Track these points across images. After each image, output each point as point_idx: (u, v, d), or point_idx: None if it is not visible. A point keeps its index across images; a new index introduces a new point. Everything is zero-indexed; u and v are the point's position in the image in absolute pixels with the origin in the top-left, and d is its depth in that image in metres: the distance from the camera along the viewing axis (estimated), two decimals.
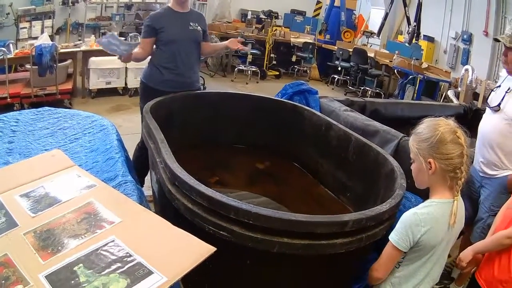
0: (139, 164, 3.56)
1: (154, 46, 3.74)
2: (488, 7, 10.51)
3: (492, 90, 3.32)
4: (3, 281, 1.33)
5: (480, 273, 2.54)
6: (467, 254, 2.49)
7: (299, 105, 3.92)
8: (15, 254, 1.46)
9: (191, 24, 3.74)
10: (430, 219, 1.86)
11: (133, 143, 3.80)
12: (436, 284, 3.47)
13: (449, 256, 3.75)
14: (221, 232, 1.93)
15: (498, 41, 3.09)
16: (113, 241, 1.53)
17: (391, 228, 2.04)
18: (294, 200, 3.44)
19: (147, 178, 3.63)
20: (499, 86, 3.23)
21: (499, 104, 3.06)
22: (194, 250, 1.49)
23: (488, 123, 3.17)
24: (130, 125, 6.09)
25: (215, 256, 2.04)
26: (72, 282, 1.33)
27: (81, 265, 1.40)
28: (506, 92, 3.05)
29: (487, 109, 3.22)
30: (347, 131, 3.31)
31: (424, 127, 1.91)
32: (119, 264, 1.40)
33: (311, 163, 3.70)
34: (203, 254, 1.48)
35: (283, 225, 1.86)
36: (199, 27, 3.80)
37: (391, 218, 2.20)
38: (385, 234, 2.11)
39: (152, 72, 3.74)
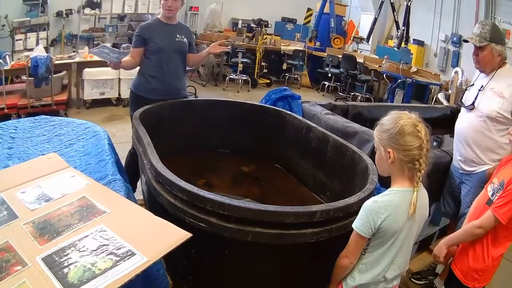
0: (131, 169, 3.71)
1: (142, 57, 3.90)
2: (477, 9, 10.69)
3: (466, 89, 3.41)
4: (4, 263, 1.53)
5: (455, 263, 2.67)
6: (440, 248, 2.63)
7: (281, 110, 4.08)
8: (15, 241, 1.67)
9: (177, 36, 3.91)
10: (390, 206, 1.97)
11: (126, 151, 3.96)
12: (421, 280, 3.67)
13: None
14: (200, 223, 2.11)
15: (467, 41, 3.15)
16: (102, 229, 1.74)
17: None
18: (278, 200, 3.56)
19: (139, 184, 3.78)
20: (473, 84, 3.33)
21: (473, 102, 3.17)
22: (172, 236, 1.70)
23: (463, 121, 3.28)
24: (123, 134, 6.24)
25: (197, 247, 2.26)
26: (65, 263, 1.54)
27: (73, 248, 1.61)
28: (479, 90, 3.16)
29: (462, 108, 3.33)
30: (325, 133, 3.48)
31: (387, 119, 2.01)
32: (106, 247, 1.61)
33: (293, 164, 3.88)
34: (180, 239, 1.68)
35: (254, 215, 2.04)
36: (185, 39, 3.97)
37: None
38: None
39: (141, 81, 3.91)
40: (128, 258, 1.55)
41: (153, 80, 3.86)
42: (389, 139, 1.96)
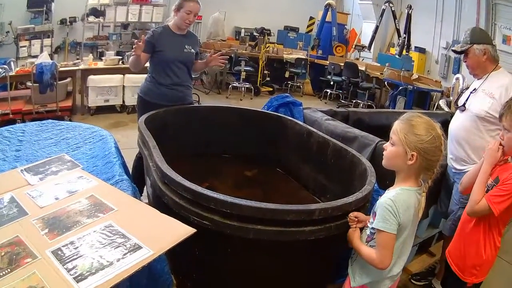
0: (137, 173, 3.77)
1: (150, 63, 3.97)
2: (478, 16, 10.70)
3: (462, 93, 3.48)
4: (14, 256, 1.61)
5: (452, 262, 2.70)
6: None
7: (283, 115, 4.15)
8: (25, 235, 1.75)
9: (186, 47, 3.98)
10: (405, 204, 2.02)
11: (130, 156, 4.00)
12: (421, 281, 3.73)
13: (433, 255, 3.99)
14: (203, 221, 2.17)
15: (456, 52, 3.28)
16: (110, 224, 1.82)
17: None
18: (279, 202, 3.52)
19: (145, 188, 3.85)
20: (467, 88, 3.41)
21: (464, 103, 3.26)
22: (176, 231, 1.78)
23: (455, 121, 3.36)
24: (127, 140, 6.25)
25: (200, 245, 2.32)
26: (74, 255, 1.61)
27: (82, 242, 1.69)
28: (471, 92, 3.25)
29: (457, 110, 3.41)
30: (325, 137, 3.53)
31: (417, 122, 2.05)
32: (114, 241, 1.69)
33: (294, 168, 3.94)
34: (184, 234, 1.77)
35: (255, 212, 2.11)
36: (192, 50, 4.04)
37: (358, 210, 2.38)
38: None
39: (149, 87, 3.98)
40: (135, 251, 1.62)
41: (161, 86, 3.92)
42: (418, 144, 1.99)
